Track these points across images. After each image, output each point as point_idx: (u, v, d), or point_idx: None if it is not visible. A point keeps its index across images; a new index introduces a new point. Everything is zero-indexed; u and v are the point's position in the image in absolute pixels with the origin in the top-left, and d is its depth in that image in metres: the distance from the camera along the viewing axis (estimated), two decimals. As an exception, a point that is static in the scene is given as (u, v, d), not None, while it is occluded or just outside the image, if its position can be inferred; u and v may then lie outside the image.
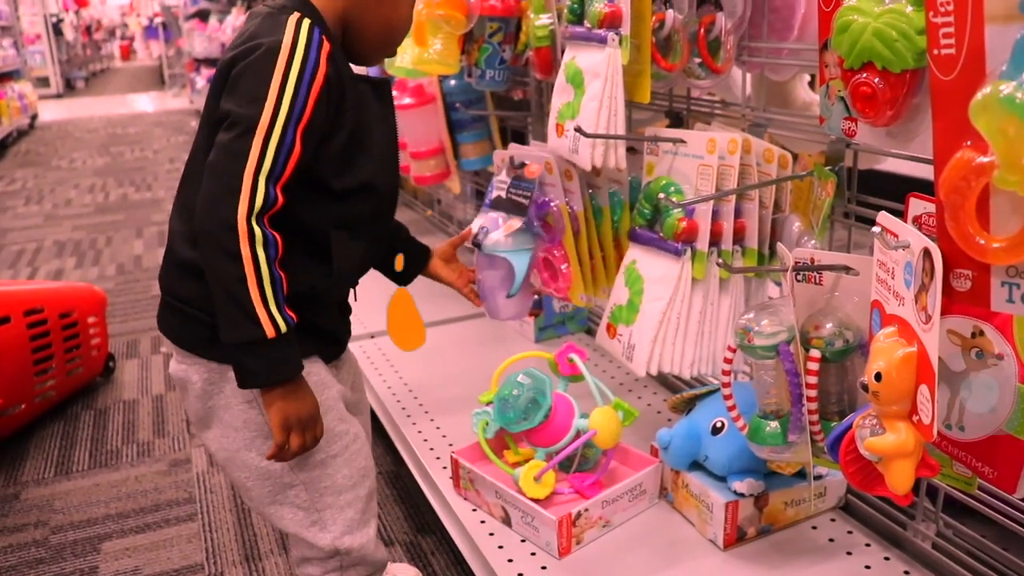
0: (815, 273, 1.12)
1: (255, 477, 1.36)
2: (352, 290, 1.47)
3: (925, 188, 1.02)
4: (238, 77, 1.19)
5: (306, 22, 1.21)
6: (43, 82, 13.67)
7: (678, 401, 1.57)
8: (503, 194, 1.71)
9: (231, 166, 1.16)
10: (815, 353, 1.10)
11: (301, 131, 1.19)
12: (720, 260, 1.39)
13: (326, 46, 1.22)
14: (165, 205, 5.75)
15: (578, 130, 1.44)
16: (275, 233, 1.19)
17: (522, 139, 2.57)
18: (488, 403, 1.59)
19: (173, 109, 11.76)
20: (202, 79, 9.98)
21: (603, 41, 1.42)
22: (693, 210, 1.40)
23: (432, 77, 2.55)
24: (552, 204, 1.65)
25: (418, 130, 2.63)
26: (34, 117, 10.48)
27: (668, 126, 1.72)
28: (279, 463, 1.33)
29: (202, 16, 10.11)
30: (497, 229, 1.69)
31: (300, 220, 1.25)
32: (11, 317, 2.49)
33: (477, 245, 1.69)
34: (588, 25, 1.47)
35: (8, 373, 2.47)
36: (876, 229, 0.94)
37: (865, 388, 0.93)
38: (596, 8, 1.43)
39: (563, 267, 1.67)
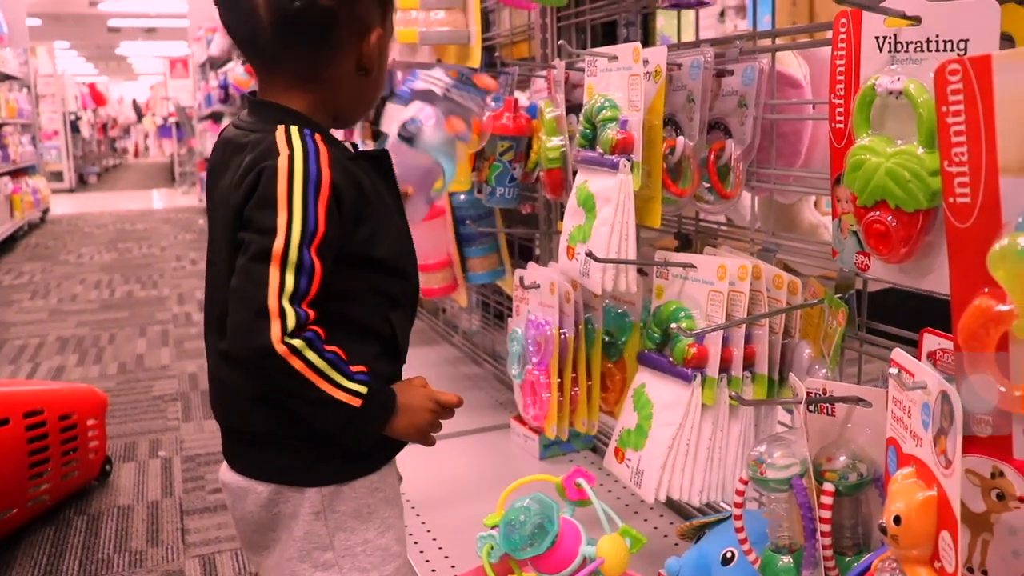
0: (827, 404, 1.11)
1: None
2: None
3: (937, 306, 1.01)
4: (252, 206, 1.17)
5: (294, 130, 1.18)
6: (56, 176, 13.91)
7: (687, 529, 1.53)
8: (438, 90, 1.59)
9: (257, 292, 1.14)
10: (829, 487, 1.08)
11: (315, 249, 1.15)
12: (732, 392, 1.38)
13: (323, 151, 1.18)
14: (170, 304, 5.76)
15: (589, 255, 1.45)
16: (308, 312, 1.16)
17: (529, 254, 2.59)
18: (493, 527, 1.56)
19: (182, 206, 11.93)
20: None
21: (615, 167, 1.45)
22: (703, 336, 1.40)
23: (442, 191, 2.59)
24: (547, 327, 1.64)
25: (427, 243, 2.65)
26: (46, 211, 10.62)
27: (676, 248, 1.73)
28: None
29: (215, 118, 10.35)
30: (431, 123, 1.55)
31: (355, 317, 1.24)
32: (10, 419, 2.46)
33: (408, 139, 1.54)
34: (600, 151, 1.49)
35: (2, 476, 2.43)
36: (893, 370, 0.93)
37: (883, 531, 0.90)
38: (609, 134, 1.46)
39: (544, 395, 1.66)
